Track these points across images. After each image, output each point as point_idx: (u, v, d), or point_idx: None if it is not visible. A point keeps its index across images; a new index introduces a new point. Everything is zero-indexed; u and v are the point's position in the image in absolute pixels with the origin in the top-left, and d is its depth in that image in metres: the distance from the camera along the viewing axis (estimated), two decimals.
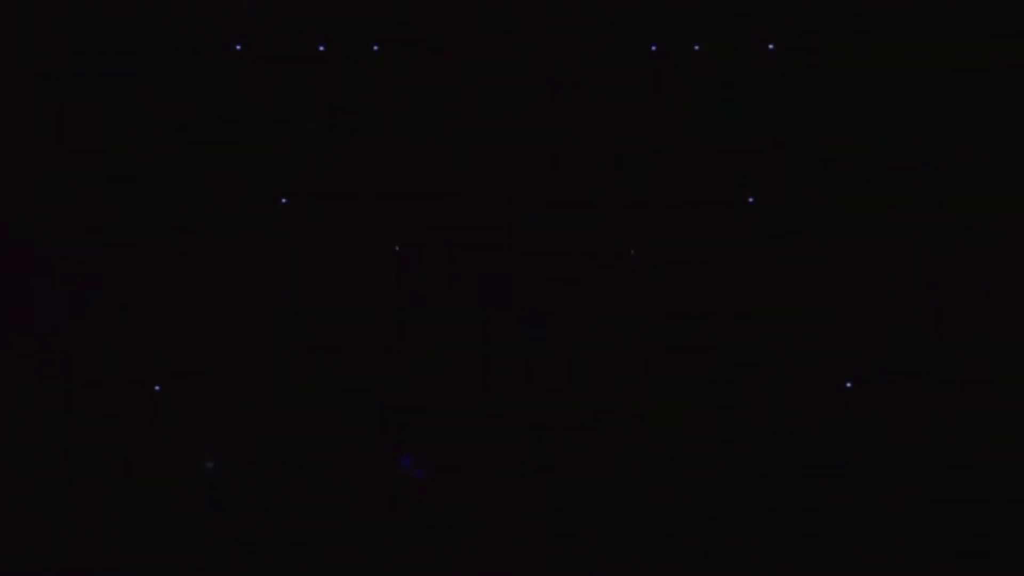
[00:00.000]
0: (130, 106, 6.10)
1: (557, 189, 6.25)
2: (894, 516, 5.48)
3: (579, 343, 6.35)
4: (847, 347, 6.07)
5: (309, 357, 6.14)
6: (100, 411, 5.76)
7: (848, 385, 6.24)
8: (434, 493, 5.54)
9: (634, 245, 6.39)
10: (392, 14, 6.16)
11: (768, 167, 6.22)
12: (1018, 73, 5.82)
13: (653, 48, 6.33)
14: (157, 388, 5.98)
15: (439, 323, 6.32)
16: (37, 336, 5.77)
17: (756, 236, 6.34)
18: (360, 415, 6.13)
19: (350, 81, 6.22)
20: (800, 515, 5.55)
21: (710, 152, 6.25)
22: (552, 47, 6.20)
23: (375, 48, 6.21)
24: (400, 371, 6.24)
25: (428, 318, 6.30)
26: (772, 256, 6.29)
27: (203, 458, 6.02)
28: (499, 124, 6.25)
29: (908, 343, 5.82)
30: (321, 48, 6.22)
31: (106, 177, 6.08)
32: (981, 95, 5.88)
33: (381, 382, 6.22)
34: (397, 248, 6.42)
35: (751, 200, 6.37)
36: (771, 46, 6.28)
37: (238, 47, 6.28)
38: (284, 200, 6.41)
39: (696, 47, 6.30)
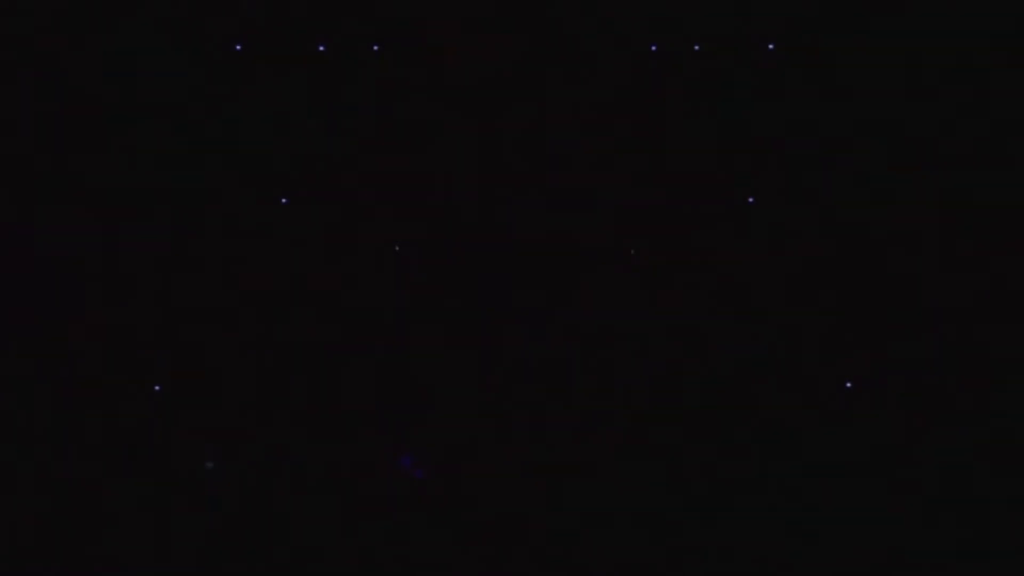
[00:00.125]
0: (130, 106, 6.11)
1: (557, 189, 6.25)
2: (894, 516, 5.48)
3: (579, 343, 6.36)
4: (847, 347, 6.08)
5: (309, 357, 6.15)
6: (100, 411, 5.76)
7: (848, 385, 6.26)
8: (434, 493, 5.54)
9: (634, 245, 6.40)
10: (392, 14, 6.16)
11: (768, 167, 6.23)
12: (1018, 73, 5.82)
13: (653, 48, 6.34)
14: (157, 388, 5.99)
15: (439, 323, 6.32)
16: (37, 336, 5.76)
17: (756, 236, 6.36)
18: (360, 415, 6.14)
19: (350, 81, 6.23)
20: (800, 515, 5.55)
21: (710, 152, 6.26)
22: (552, 47, 6.20)
23: (375, 48, 6.22)
24: (400, 371, 6.25)
25: (428, 318, 6.30)
26: (772, 256, 6.30)
27: (203, 458, 6.03)
28: (499, 124, 6.26)
29: (908, 343, 5.81)
30: (321, 48, 6.22)
31: (105, 177, 6.09)
32: (981, 95, 5.88)
33: (381, 382, 6.23)
34: (397, 248, 6.43)
35: (751, 200, 6.38)
36: (771, 46, 6.29)
37: (238, 47, 6.29)
38: (284, 200, 6.43)
39: (696, 47, 6.31)
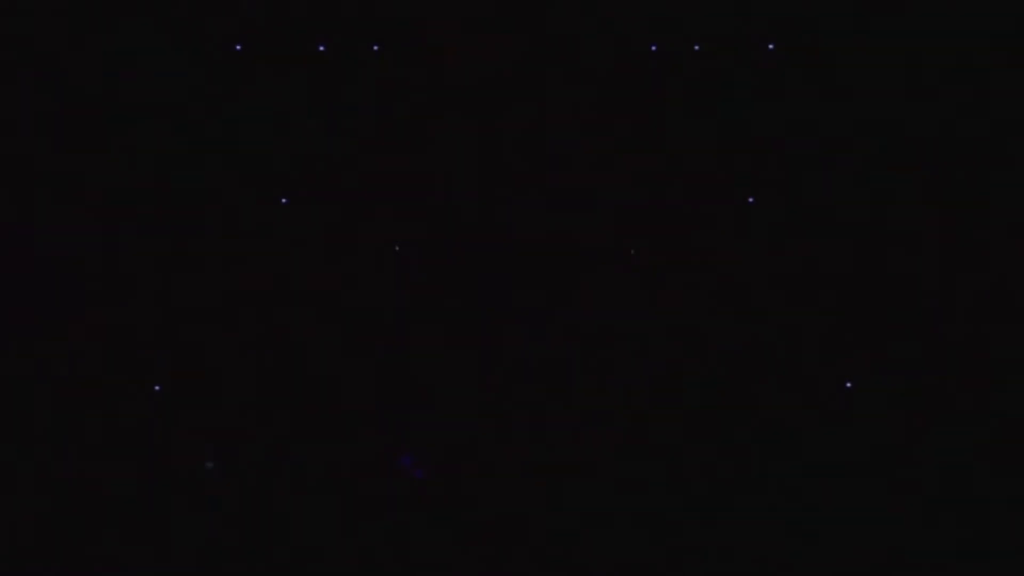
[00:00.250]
0: (130, 106, 6.11)
1: (557, 189, 6.25)
2: (894, 516, 5.48)
3: (579, 343, 6.35)
4: (847, 347, 6.08)
5: (309, 357, 6.15)
6: (100, 411, 5.76)
7: (848, 385, 6.27)
8: (434, 493, 5.53)
9: (634, 245, 6.40)
10: (392, 14, 6.16)
11: (768, 167, 6.23)
12: (1018, 73, 5.82)
13: (653, 48, 6.34)
14: (157, 388, 5.98)
15: (439, 323, 6.32)
16: (37, 336, 5.76)
17: (756, 236, 6.35)
18: (360, 415, 6.14)
19: (350, 81, 6.22)
20: (800, 515, 5.55)
21: (710, 152, 6.26)
22: (552, 47, 6.20)
23: (375, 48, 6.21)
24: (400, 371, 6.25)
25: (428, 318, 6.30)
26: (772, 256, 6.30)
27: (203, 458, 6.03)
28: (499, 124, 6.25)
29: (908, 343, 5.81)
30: (321, 48, 6.22)
31: (105, 177, 6.09)
32: (981, 95, 5.88)
33: (381, 382, 6.23)
34: (397, 248, 6.43)
35: (751, 200, 6.37)
36: (771, 46, 6.29)
37: (238, 47, 6.29)
38: (284, 200, 6.42)
39: (696, 47, 6.31)
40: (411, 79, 6.19)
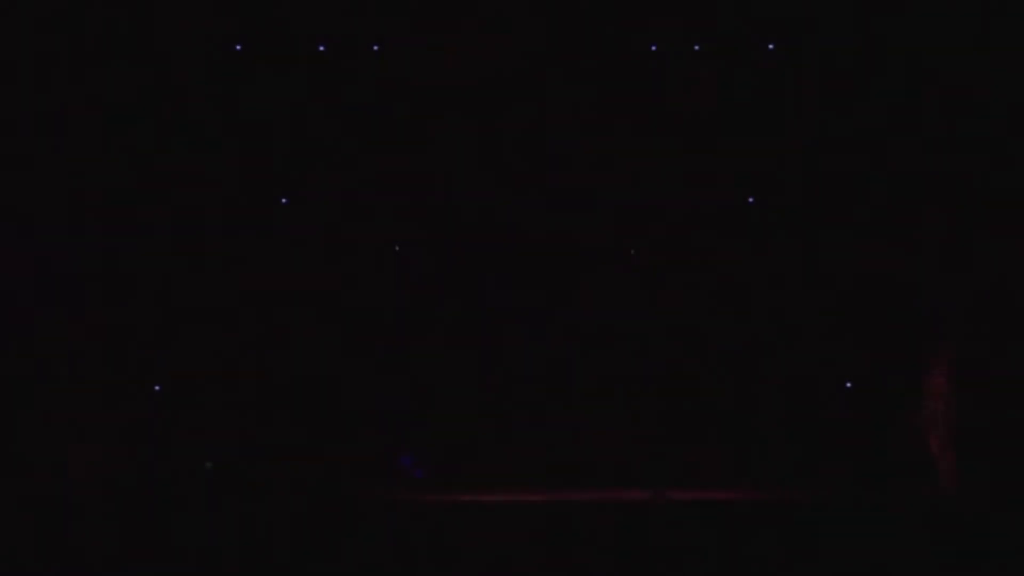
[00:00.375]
0: (130, 108, 6.12)
1: (557, 189, 6.25)
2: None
3: (579, 343, 6.36)
4: (847, 347, 6.09)
5: (307, 355, 6.17)
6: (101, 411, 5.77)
7: (848, 385, 6.28)
8: (434, 492, 5.54)
9: (634, 245, 6.41)
10: (392, 14, 6.16)
11: (767, 169, 6.24)
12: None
13: (653, 48, 6.34)
14: (157, 388, 5.99)
15: (439, 323, 6.32)
16: (37, 336, 5.77)
17: (755, 236, 6.36)
18: (360, 415, 6.16)
19: (350, 81, 6.23)
20: (800, 514, 5.55)
21: (710, 152, 6.27)
22: (552, 49, 6.20)
23: (375, 48, 6.22)
24: (401, 371, 6.27)
25: (428, 318, 6.31)
26: (772, 255, 6.30)
27: (203, 458, 6.03)
28: (499, 124, 6.25)
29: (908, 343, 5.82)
30: (321, 48, 6.23)
31: (105, 178, 6.11)
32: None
33: (381, 381, 6.26)
34: (397, 248, 6.43)
35: (751, 200, 6.38)
36: (771, 46, 6.30)
37: (238, 47, 6.30)
38: (284, 200, 6.43)
39: (696, 47, 6.31)
40: (411, 79, 6.20)
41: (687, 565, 4.36)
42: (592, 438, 6.09)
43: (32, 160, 5.95)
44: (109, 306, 5.98)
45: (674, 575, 4.29)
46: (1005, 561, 4.31)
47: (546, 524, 4.59)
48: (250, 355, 6.11)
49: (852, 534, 4.59)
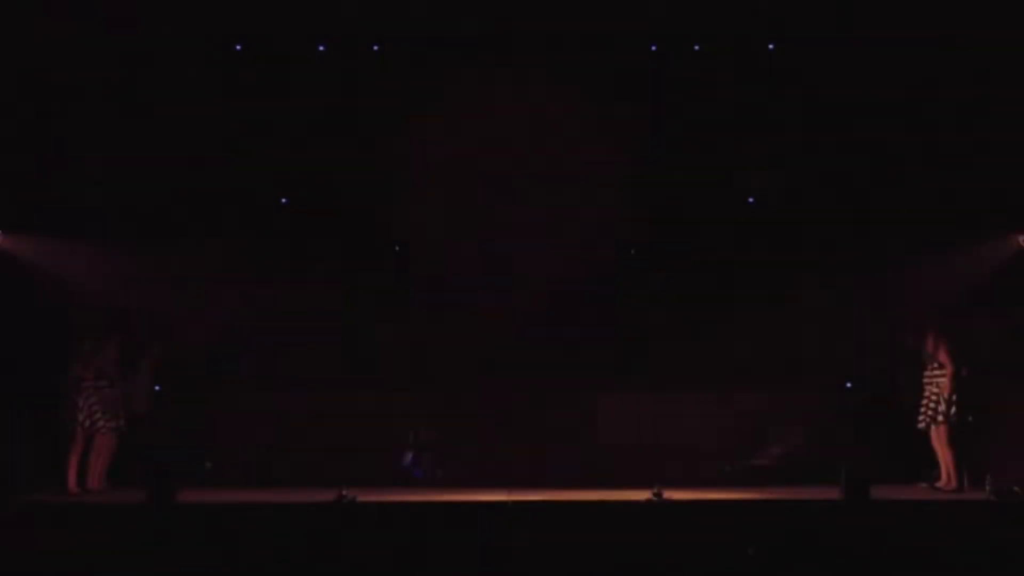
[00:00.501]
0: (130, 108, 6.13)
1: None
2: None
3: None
4: (847, 347, 6.08)
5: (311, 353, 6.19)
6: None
7: (848, 385, 6.26)
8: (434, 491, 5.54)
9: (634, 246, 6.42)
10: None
11: (769, 167, 6.24)
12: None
13: (653, 48, 6.34)
14: (157, 388, 5.98)
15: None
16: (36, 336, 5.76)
17: (755, 237, 6.35)
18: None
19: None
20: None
21: (710, 152, 6.27)
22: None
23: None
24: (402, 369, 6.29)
25: None
26: (772, 255, 6.29)
27: (204, 458, 6.03)
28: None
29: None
30: (321, 48, 6.25)
31: (105, 179, 6.12)
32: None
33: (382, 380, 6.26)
34: (397, 248, 6.44)
35: (751, 200, 6.37)
36: (771, 46, 6.29)
37: (238, 47, 6.30)
38: (284, 200, 6.44)
39: (696, 47, 6.31)
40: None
41: (687, 565, 4.35)
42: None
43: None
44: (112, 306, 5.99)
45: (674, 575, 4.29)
46: None
47: (547, 524, 4.58)
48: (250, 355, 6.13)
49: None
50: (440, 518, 4.69)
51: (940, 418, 5.39)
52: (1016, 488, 4.96)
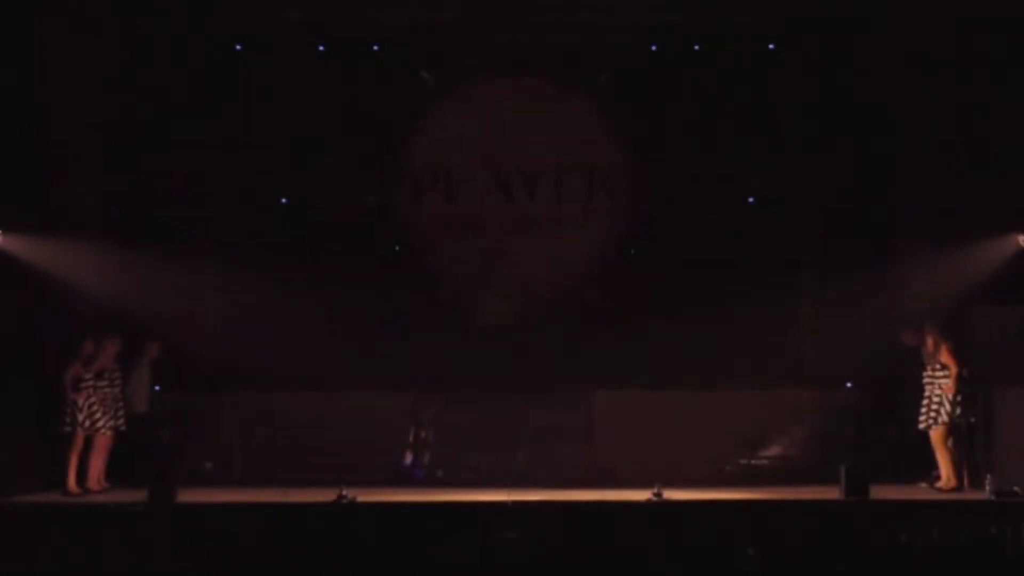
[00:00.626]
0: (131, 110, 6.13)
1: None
2: None
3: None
4: (848, 347, 6.08)
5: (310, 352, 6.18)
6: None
7: (848, 385, 6.26)
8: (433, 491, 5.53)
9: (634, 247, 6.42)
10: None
11: (769, 169, 6.23)
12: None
13: (653, 48, 6.34)
14: (157, 388, 5.98)
15: None
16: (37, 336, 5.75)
17: (756, 237, 6.35)
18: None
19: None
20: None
21: (710, 152, 6.26)
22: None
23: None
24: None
25: None
26: (772, 255, 6.29)
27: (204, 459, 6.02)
28: None
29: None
30: (321, 48, 6.25)
31: (106, 182, 6.11)
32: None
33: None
34: (397, 248, 6.44)
35: (751, 200, 6.37)
36: (771, 46, 6.29)
37: (238, 47, 6.30)
38: (284, 200, 6.44)
39: (696, 47, 6.31)
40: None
41: (687, 565, 4.34)
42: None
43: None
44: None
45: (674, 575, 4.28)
46: None
47: (547, 524, 4.57)
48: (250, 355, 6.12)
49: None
50: (440, 518, 4.71)
51: (943, 418, 5.38)
52: (1016, 488, 4.99)
